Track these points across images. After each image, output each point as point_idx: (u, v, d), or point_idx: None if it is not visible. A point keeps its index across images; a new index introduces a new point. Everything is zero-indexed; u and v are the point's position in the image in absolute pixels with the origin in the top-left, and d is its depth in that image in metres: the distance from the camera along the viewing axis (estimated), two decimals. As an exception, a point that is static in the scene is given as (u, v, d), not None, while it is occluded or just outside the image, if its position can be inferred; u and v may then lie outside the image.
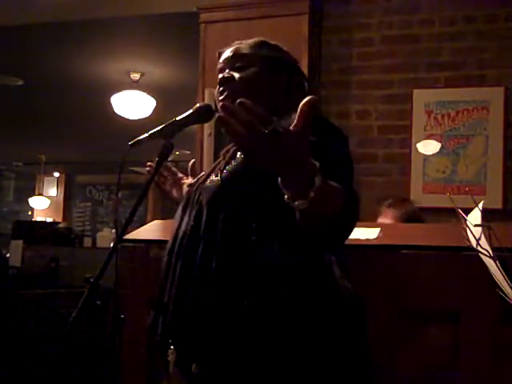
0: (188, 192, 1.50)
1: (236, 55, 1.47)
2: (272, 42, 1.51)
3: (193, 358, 1.29)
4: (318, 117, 1.41)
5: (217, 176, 1.37)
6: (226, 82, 1.44)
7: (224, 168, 1.37)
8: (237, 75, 1.44)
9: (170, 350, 1.35)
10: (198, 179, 1.48)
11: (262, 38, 1.51)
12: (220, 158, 1.46)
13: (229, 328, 1.25)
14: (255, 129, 0.93)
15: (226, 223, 1.29)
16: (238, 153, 1.37)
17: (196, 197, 1.40)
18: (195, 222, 1.35)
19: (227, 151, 1.45)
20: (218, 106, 1.25)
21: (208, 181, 1.41)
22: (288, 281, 1.26)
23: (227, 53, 1.49)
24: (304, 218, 1.06)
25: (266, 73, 1.44)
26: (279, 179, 1.02)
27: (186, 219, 1.40)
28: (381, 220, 2.56)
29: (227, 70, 1.46)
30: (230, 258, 1.27)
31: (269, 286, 1.25)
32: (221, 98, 1.45)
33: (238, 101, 0.93)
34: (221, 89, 1.45)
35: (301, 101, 1.45)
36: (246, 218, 1.27)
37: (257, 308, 1.24)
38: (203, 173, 1.48)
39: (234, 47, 1.49)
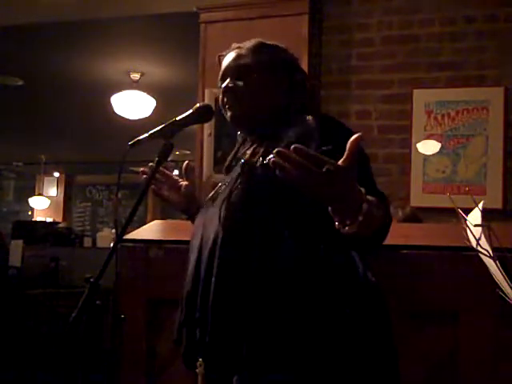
0: (206, 206, 1.47)
1: (237, 62, 1.46)
2: (270, 43, 1.51)
3: (235, 370, 1.28)
4: (327, 117, 1.40)
5: (238, 187, 1.35)
6: (230, 91, 1.45)
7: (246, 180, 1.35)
8: (240, 83, 1.44)
9: (198, 362, 1.33)
10: (215, 191, 1.46)
11: (260, 40, 1.51)
12: (237, 172, 1.40)
13: (275, 335, 1.24)
14: (311, 171, 1.01)
15: (262, 230, 1.29)
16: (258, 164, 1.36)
17: (221, 212, 1.35)
18: (226, 234, 1.33)
19: (239, 161, 1.43)
20: (274, 160, 1.14)
21: (230, 195, 1.37)
22: (320, 281, 1.27)
23: (228, 59, 1.48)
24: (352, 238, 1.13)
25: (268, 77, 1.45)
26: (329, 208, 1.10)
27: (212, 235, 1.35)
28: None
29: (229, 79, 1.46)
30: (269, 262, 1.27)
31: (304, 286, 1.26)
32: (228, 109, 1.45)
33: (293, 147, 1.00)
34: (225, 99, 1.46)
35: (304, 99, 1.44)
36: (279, 226, 1.29)
37: (298, 311, 1.25)
38: (220, 184, 1.47)
39: (234, 53, 1.48)
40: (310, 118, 1.36)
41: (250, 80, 1.44)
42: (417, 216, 2.87)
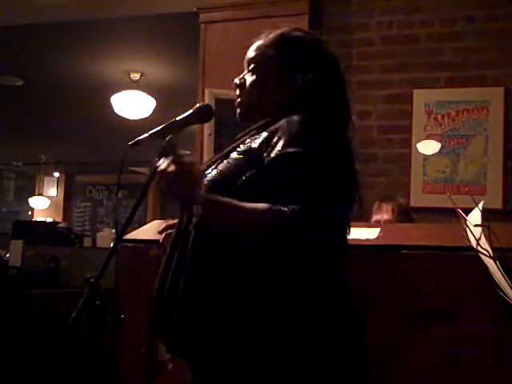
0: None
1: (251, 56, 1.48)
2: (292, 35, 1.47)
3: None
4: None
5: None
6: (238, 87, 1.48)
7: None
8: (248, 79, 1.47)
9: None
10: None
11: (282, 32, 1.47)
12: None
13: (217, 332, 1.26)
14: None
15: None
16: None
17: None
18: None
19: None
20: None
21: None
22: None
23: (249, 51, 1.49)
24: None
25: (275, 75, 1.44)
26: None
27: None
28: (376, 216, 2.68)
29: (244, 73, 1.49)
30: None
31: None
32: (236, 103, 1.49)
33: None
34: (236, 93, 1.49)
35: (288, 98, 1.41)
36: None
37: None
38: None
39: (254, 45, 1.49)
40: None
41: (254, 78, 1.46)
42: (407, 207, 2.91)
